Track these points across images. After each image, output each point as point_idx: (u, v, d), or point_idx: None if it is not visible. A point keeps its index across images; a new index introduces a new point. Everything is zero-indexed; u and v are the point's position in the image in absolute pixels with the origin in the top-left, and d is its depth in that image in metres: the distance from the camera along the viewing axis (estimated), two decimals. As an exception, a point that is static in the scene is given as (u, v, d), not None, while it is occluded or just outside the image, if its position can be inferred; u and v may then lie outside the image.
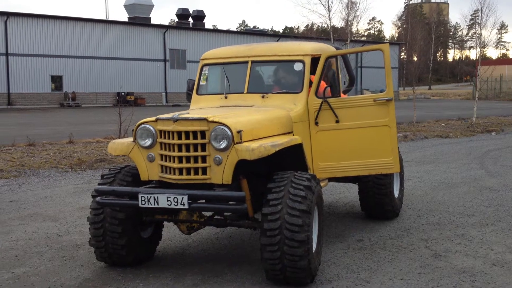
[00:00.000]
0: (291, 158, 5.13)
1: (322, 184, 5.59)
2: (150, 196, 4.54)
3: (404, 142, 16.65)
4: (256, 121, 4.94)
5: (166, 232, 6.20)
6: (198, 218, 5.03)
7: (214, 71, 6.19)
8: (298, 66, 5.73)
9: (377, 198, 6.66)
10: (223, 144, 4.54)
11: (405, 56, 65.37)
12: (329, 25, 23.81)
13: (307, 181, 4.59)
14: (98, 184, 5.03)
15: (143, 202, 4.56)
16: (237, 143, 4.53)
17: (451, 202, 7.90)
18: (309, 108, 5.59)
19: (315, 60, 5.82)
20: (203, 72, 6.19)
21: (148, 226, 5.36)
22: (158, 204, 4.54)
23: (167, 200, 4.50)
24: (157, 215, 5.09)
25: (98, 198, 4.83)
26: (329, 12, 22.60)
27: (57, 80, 42.77)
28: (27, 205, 7.97)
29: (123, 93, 42.69)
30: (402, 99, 60.24)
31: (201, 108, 5.78)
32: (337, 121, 5.60)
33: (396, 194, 6.99)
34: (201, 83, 6.19)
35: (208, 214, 5.27)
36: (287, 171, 4.75)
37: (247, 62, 5.86)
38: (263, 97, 5.68)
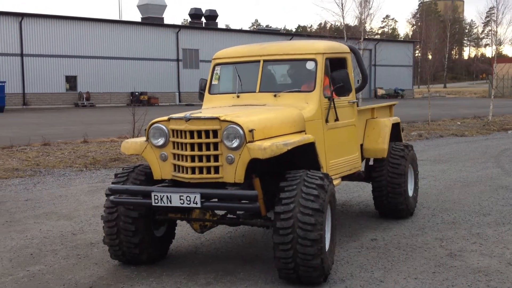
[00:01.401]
0: (304, 157, 5.11)
1: (335, 182, 5.58)
2: (163, 195, 4.56)
3: (419, 141, 16.53)
4: (268, 120, 4.93)
5: (180, 230, 6.21)
6: (211, 217, 5.04)
7: (226, 71, 6.19)
8: (310, 65, 5.71)
9: (391, 197, 6.62)
10: (235, 143, 4.54)
11: (419, 54, 64.82)
12: (342, 24, 23.69)
13: (319, 179, 4.57)
14: (112, 183, 5.06)
15: (156, 201, 4.58)
16: (249, 142, 4.52)
17: (466, 201, 7.82)
18: (321, 107, 5.58)
19: (332, 60, 5.85)
20: (215, 72, 6.19)
21: (162, 224, 5.38)
22: (171, 203, 4.55)
23: (180, 199, 4.51)
24: (170, 213, 5.11)
25: (111, 197, 4.86)
26: (342, 10, 22.48)
27: (71, 80, 43.15)
28: (42, 204, 8.05)
29: (136, 93, 42.95)
30: (417, 98, 59.88)
31: (213, 107, 5.78)
32: (336, 120, 5.69)
33: (410, 193, 6.94)
34: (213, 83, 6.19)
35: (221, 213, 5.27)
36: (299, 170, 4.74)
37: (259, 61, 5.85)
38: (275, 96, 5.67)
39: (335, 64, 6.00)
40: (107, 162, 12.09)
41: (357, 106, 6.47)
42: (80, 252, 5.65)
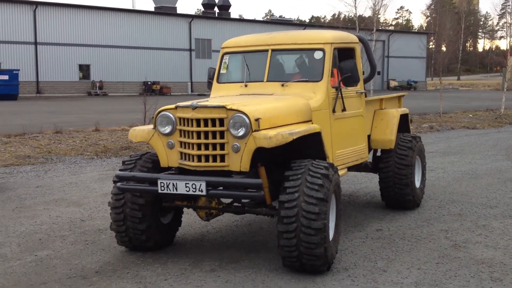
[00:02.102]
0: (310, 146, 5.13)
1: (341, 173, 5.60)
2: (169, 182, 4.61)
3: (430, 133, 16.46)
4: (275, 109, 4.95)
5: (186, 218, 6.28)
6: (216, 204, 5.09)
7: (234, 60, 6.20)
8: (318, 55, 5.70)
9: (398, 188, 6.62)
10: (241, 132, 4.57)
11: (433, 46, 64.21)
12: (355, 14, 23.53)
13: (324, 169, 4.59)
14: (119, 170, 5.12)
15: (162, 188, 4.63)
16: (255, 130, 4.55)
17: (474, 193, 7.79)
18: (328, 97, 5.59)
19: (340, 49, 5.85)
20: (223, 61, 6.21)
21: (168, 212, 5.44)
22: (177, 190, 4.60)
23: (186, 186, 4.56)
24: (176, 201, 5.17)
25: (118, 184, 4.92)
26: (355, 0, 22.32)
27: (84, 69, 43.42)
28: (52, 191, 8.15)
29: (149, 82, 43.14)
30: (430, 90, 59.43)
31: (221, 96, 5.81)
32: (343, 110, 5.70)
33: (417, 184, 6.93)
34: (221, 72, 6.21)
35: (227, 201, 5.31)
36: (305, 160, 4.76)
37: (267, 50, 5.86)
38: (282, 85, 5.68)
39: (344, 54, 6.00)
40: (118, 151, 12.19)
41: (365, 96, 6.47)
42: (88, 238, 5.73)
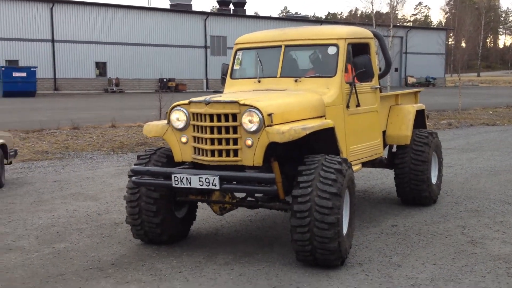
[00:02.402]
0: (324, 142, 5.12)
1: (355, 168, 5.58)
2: (183, 177, 4.65)
3: (448, 130, 16.31)
4: (287, 105, 4.95)
5: (201, 213, 6.31)
6: (230, 199, 5.11)
7: (248, 56, 6.21)
8: (332, 50, 5.67)
9: (413, 184, 6.57)
10: (254, 127, 4.58)
11: (453, 42, 63.50)
12: (371, 10, 23.37)
13: (338, 164, 4.58)
14: (134, 164, 5.17)
15: (176, 182, 4.67)
16: (268, 126, 4.56)
17: (492, 190, 7.70)
18: (342, 92, 5.57)
19: (355, 45, 5.81)
20: (237, 57, 6.22)
21: (182, 206, 5.48)
22: (190, 184, 4.63)
23: (199, 181, 4.59)
24: (190, 195, 5.20)
25: (133, 178, 4.97)
26: (371, -4, 22.12)
27: (101, 66, 43.79)
28: (70, 185, 8.25)
29: (164, 79, 43.35)
30: (448, 86, 58.82)
31: (235, 92, 5.83)
32: (357, 105, 5.67)
33: (433, 180, 6.87)
34: (235, 68, 6.23)
35: (241, 195, 5.33)
36: (318, 155, 4.75)
37: (280, 46, 5.85)
38: (296, 81, 5.67)
39: (358, 50, 5.96)
40: (133, 146, 12.29)
41: (380, 92, 6.43)
42: (104, 231, 5.79)
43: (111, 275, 4.50)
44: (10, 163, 8.83)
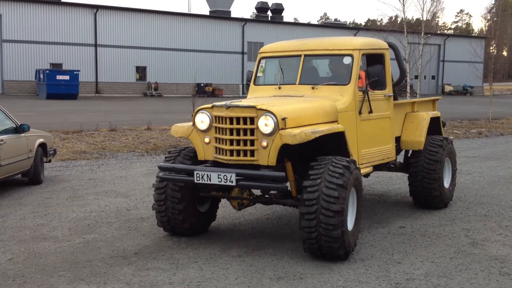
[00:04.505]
0: (335, 145, 5.50)
1: (366, 170, 5.99)
2: (204, 173, 5.15)
3: (477, 138, 16.33)
4: (301, 110, 5.37)
5: (221, 211, 6.74)
6: (248, 195, 5.56)
7: (270, 64, 6.66)
8: (347, 60, 6.07)
9: (425, 183, 6.87)
10: (268, 130, 5.02)
11: (494, 51, 62.29)
12: (403, 18, 23.44)
13: (346, 162, 5.05)
14: (162, 162, 5.68)
15: (198, 179, 5.18)
16: (282, 129, 5.00)
17: (505, 197, 7.89)
18: (355, 99, 5.93)
19: (369, 55, 6.20)
20: (260, 65, 6.69)
21: (205, 201, 5.96)
22: (210, 181, 5.14)
23: (218, 177, 5.08)
24: (212, 191, 5.67)
25: (160, 173, 5.51)
26: (403, 4, 22.25)
27: (141, 71, 44.94)
28: (103, 183, 8.84)
29: (202, 84, 44.18)
30: (486, 95, 57.66)
31: (256, 97, 6.28)
32: (370, 112, 6.03)
33: (446, 184, 7.14)
34: (258, 75, 6.70)
35: (257, 192, 5.77)
36: (329, 156, 5.18)
37: (300, 55, 6.28)
38: (313, 88, 6.08)
39: (373, 59, 6.34)
40: (167, 148, 12.86)
41: (395, 99, 6.76)
42: (131, 225, 6.30)
43: (133, 263, 4.99)
44: (49, 161, 9.51)
